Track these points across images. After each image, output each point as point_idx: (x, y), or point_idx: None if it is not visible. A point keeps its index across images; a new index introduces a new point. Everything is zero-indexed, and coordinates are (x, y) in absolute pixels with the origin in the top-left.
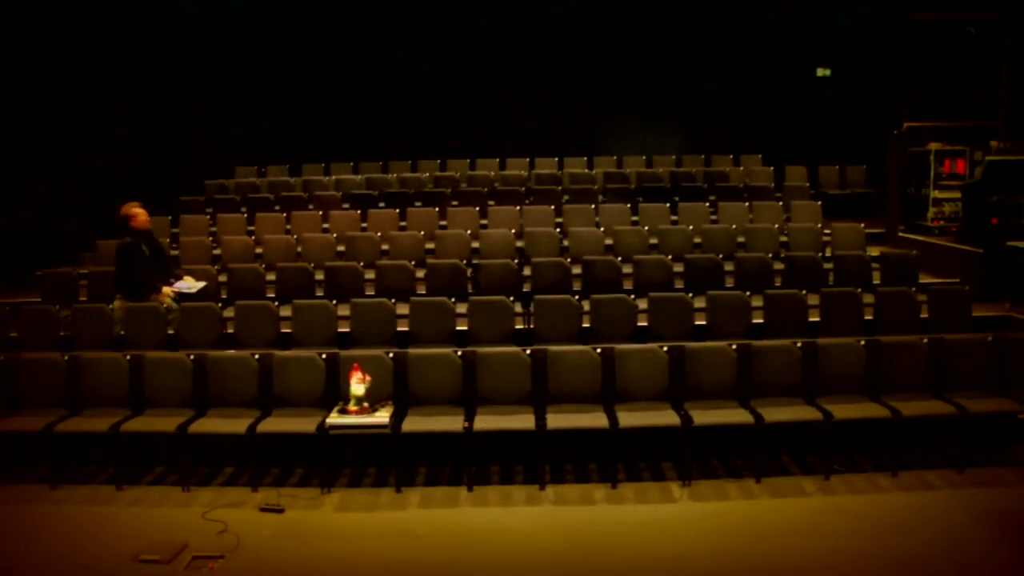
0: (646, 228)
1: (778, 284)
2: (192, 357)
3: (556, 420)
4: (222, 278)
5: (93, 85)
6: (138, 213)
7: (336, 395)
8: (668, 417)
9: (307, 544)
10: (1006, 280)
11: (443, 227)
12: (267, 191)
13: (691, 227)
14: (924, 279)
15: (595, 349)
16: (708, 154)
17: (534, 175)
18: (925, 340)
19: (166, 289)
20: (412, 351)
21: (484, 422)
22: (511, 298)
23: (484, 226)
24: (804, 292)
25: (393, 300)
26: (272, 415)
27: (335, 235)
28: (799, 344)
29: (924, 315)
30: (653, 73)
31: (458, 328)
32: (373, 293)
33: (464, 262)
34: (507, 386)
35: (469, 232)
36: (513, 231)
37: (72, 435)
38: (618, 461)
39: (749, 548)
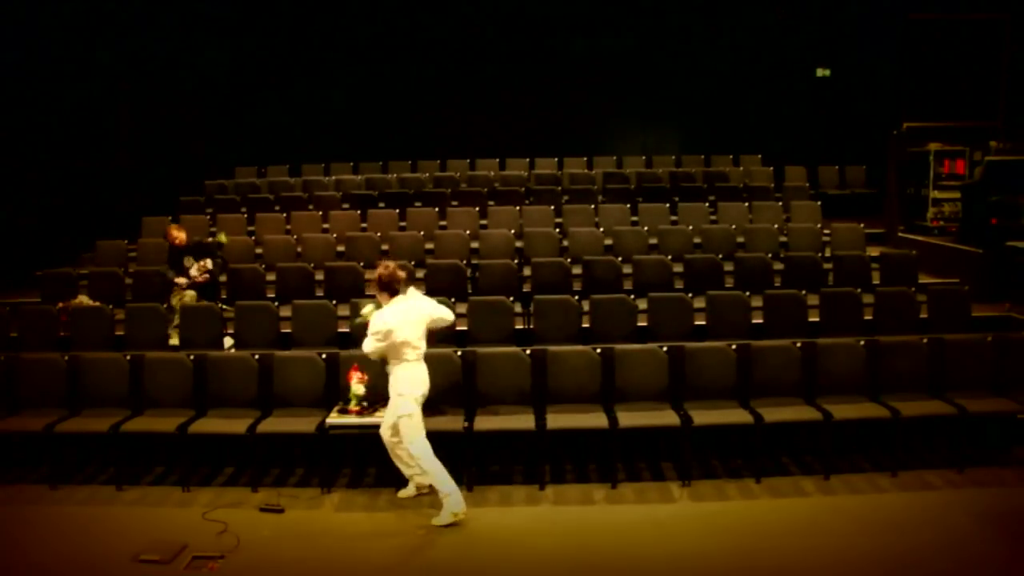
0: (646, 228)
1: (778, 284)
2: (192, 357)
3: (556, 420)
4: (222, 278)
5: (94, 85)
6: (172, 234)
7: (336, 395)
8: (668, 417)
9: (307, 544)
10: (1006, 280)
11: (443, 227)
12: (267, 191)
13: (691, 227)
14: (924, 279)
15: (595, 349)
16: (708, 154)
17: (534, 175)
18: (925, 340)
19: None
20: None
21: (484, 422)
22: (511, 298)
23: (484, 226)
24: (804, 292)
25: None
26: (272, 415)
27: (335, 235)
28: (799, 344)
29: (924, 315)
30: (653, 73)
31: (458, 328)
32: (373, 294)
33: (464, 262)
34: (507, 386)
35: (469, 232)
36: (513, 231)
37: (72, 435)
38: (618, 461)
39: (749, 548)
